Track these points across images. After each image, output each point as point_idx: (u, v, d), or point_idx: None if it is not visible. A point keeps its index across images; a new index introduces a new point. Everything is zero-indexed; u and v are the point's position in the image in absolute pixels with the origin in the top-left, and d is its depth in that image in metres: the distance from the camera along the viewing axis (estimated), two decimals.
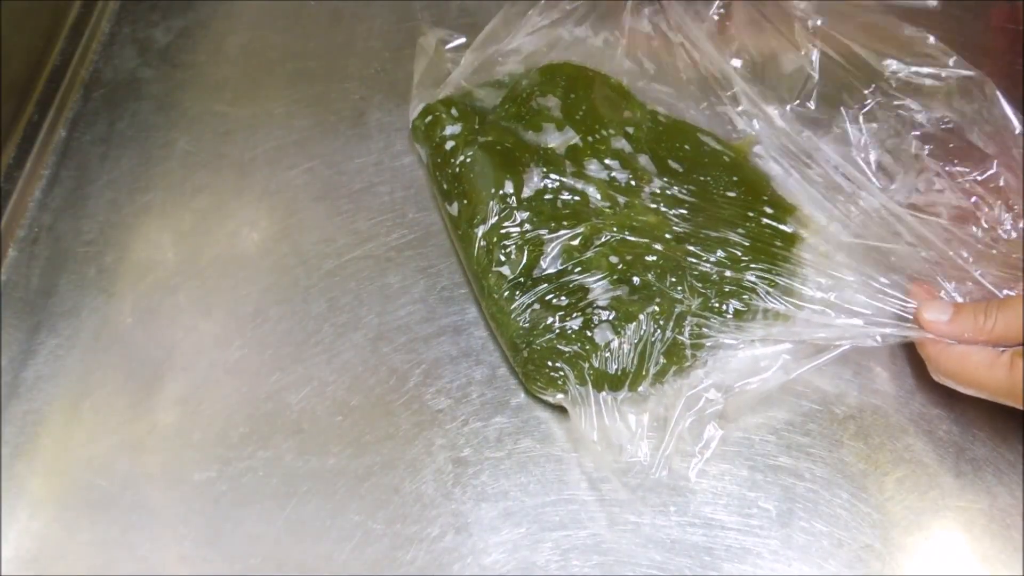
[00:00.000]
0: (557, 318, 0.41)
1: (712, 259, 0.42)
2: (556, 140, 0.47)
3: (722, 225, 0.44)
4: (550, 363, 0.40)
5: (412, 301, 0.45)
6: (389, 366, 0.43)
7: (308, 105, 0.53)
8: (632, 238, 0.43)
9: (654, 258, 0.42)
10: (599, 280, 0.42)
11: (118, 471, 0.41)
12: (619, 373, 0.40)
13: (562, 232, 0.43)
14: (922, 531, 0.38)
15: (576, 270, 0.42)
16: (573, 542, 0.38)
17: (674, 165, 0.47)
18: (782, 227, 0.44)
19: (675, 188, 0.45)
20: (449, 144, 0.47)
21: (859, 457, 0.40)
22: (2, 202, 0.49)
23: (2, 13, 0.50)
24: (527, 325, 0.41)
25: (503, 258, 0.43)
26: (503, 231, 0.43)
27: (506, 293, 0.42)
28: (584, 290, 0.42)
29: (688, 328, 0.41)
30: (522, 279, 0.42)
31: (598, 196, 0.44)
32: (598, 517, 0.38)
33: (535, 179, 0.45)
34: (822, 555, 0.37)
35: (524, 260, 0.42)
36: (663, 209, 0.44)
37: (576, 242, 0.43)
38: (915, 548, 0.37)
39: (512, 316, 0.42)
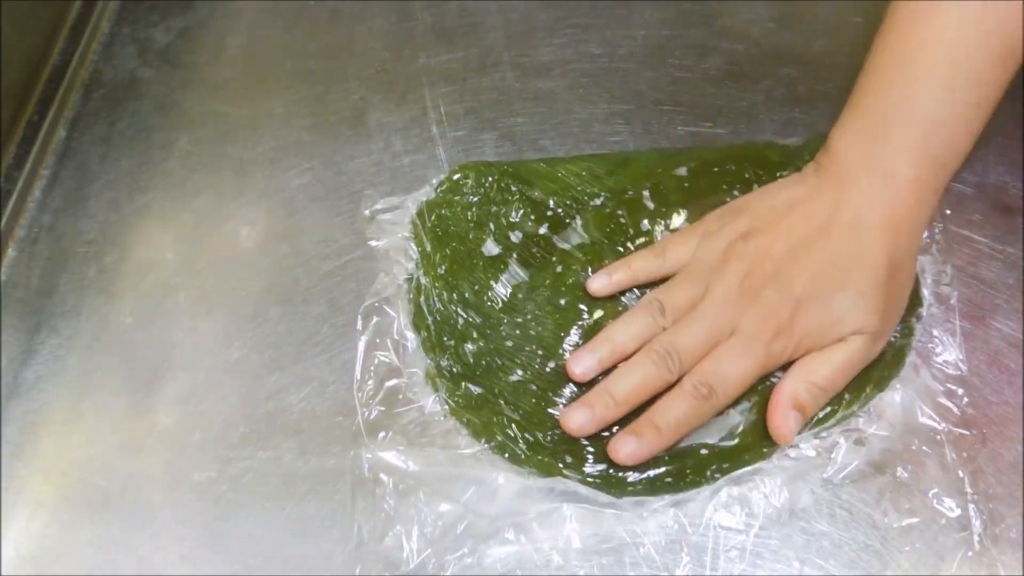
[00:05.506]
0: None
1: None
2: None
3: None
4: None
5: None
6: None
7: (308, 105, 0.53)
8: None
9: None
10: None
11: (118, 471, 0.41)
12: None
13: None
14: (921, 531, 0.38)
15: None
16: (574, 542, 0.38)
17: None
18: None
19: None
20: None
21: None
22: (2, 202, 0.49)
23: (2, 13, 0.50)
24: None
25: None
26: None
27: None
28: None
29: None
30: None
31: None
32: (599, 517, 0.38)
33: None
34: (822, 555, 0.37)
35: None
36: None
37: None
38: (914, 548, 0.37)
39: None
